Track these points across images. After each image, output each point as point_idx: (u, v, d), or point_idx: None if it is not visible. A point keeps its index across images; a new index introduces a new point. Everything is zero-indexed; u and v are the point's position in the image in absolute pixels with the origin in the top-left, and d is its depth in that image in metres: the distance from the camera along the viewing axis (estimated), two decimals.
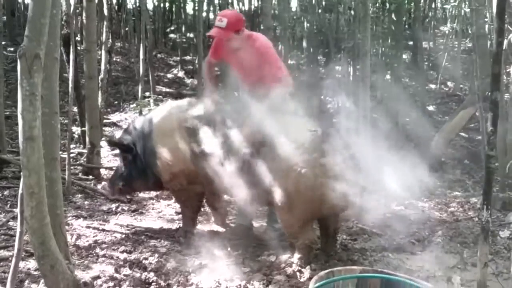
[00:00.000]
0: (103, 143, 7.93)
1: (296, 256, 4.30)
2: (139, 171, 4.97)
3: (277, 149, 4.17)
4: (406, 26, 16.85)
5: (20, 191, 2.84)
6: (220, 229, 5.24)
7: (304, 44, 13.55)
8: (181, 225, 5.15)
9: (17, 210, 3.09)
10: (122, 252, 4.48)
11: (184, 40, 15.96)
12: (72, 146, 7.16)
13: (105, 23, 9.28)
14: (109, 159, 7.76)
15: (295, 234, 4.29)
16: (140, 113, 7.49)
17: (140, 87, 7.57)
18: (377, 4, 14.07)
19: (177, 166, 4.74)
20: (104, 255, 4.38)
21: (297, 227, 4.26)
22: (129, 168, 5.04)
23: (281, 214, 4.31)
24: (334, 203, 4.05)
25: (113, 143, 5.20)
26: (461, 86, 13.84)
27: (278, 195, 4.19)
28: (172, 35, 16.93)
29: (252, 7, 17.49)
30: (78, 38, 11.83)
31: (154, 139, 4.82)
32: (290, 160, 4.10)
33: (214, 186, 4.61)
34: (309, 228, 4.31)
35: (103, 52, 8.74)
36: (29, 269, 4.00)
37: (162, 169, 4.81)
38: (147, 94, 9.10)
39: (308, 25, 13.27)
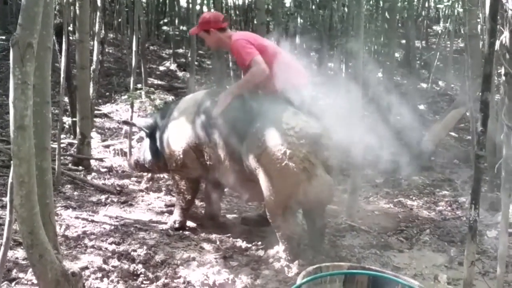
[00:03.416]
0: (94, 134, 7.91)
1: (281, 248, 4.35)
2: (154, 151, 5.25)
3: (266, 127, 4.26)
4: (399, 25, 16.88)
5: (10, 180, 2.84)
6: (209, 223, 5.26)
7: (297, 40, 13.53)
8: (170, 217, 5.17)
9: (6, 199, 3.09)
10: (111, 243, 4.48)
11: (177, 32, 15.91)
12: (62, 136, 7.11)
13: (98, 13, 9.22)
14: (100, 150, 7.74)
15: (278, 222, 4.33)
16: (132, 105, 7.46)
17: (132, 79, 7.52)
18: (371, 2, 14.08)
19: (178, 144, 4.85)
20: (92, 246, 4.38)
21: (279, 214, 4.30)
22: (146, 147, 5.37)
23: (265, 199, 4.34)
24: (317, 191, 4.09)
25: (126, 123, 5.48)
26: (452, 85, 13.89)
27: (262, 175, 4.25)
28: (165, 28, 16.88)
29: (246, 1, 17.47)
30: (70, 28, 11.77)
31: (168, 119, 5.04)
32: (277, 139, 4.17)
33: (212, 173, 4.80)
34: (291, 218, 4.35)
35: (95, 43, 8.70)
36: (17, 258, 3.99)
37: (165, 146, 5.00)
38: (139, 86, 9.06)
39: (301, 21, 13.27)
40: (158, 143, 5.18)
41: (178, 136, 4.87)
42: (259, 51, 4.68)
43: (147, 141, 5.40)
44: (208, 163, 4.73)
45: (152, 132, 5.29)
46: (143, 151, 5.45)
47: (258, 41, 4.84)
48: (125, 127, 8.04)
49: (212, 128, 4.61)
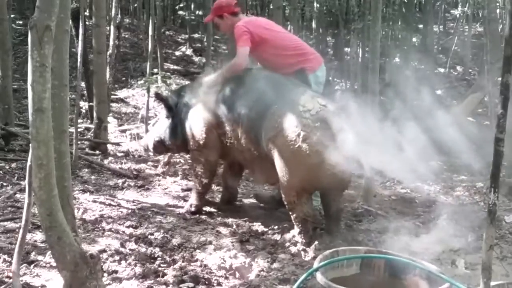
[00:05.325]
0: (110, 119, 7.94)
1: (296, 231, 4.38)
2: (174, 130, 5.21)
3: (283, 109, 4.29)
4: (417, 9, 16.73)
5: (28, 163, 2.85)
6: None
7: (314, 24, 13.47)
8: (187, 201, 5.19)
9: (25, 182, 3.10)
10: (128, 227, 4.51)
11: (193, 17, 15.88)
12: (79, 121, 7.16)
13: None
14: (116, 134, 7.77)
15: (292, 204, 4.35)
16: (148, 90, 7.48)
17: (148, 64, 7.55)
18: None
19: (202, 123, 4.88)
20: (110, 230, 4.41)
21: (293, 196, 4.31)
22: (166, 126, 5.30)
23: (280, 181, 4.36)
24: (330, 175, 4.07)
25: (159, 97, 5.42)
26: (470, 70, 13.77)
27: (277, 156, 4.27)
28: (181, 12, 16.86)
29: None
30: (87, 13, 11.79)
31: (191, 99, 5.08)
32: (292, 121, 4.18)
33: (232, 154, 4.88)
34: (305, 200, 4.35)
35: (112, 27, 8.70)
36: (35, 241, 4.03)
37: (188, 125, 5.01)
38: (155, 71, 9.07)
39: (318, 5, 13.18)
40: (179, 122, 5.16)
41: (202, 115, 4.88)
42: (258, 40, 4.86)
43: (166, 120, 5.31)
44: (229, 143, 4.75)
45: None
46: (163, 130, 5.33)
47: (260, 29, 4.93)
48: (141, 112, 8.08)
49: (235, 109, 4.64)
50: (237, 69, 4.86)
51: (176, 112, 5.19)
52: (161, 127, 5.43)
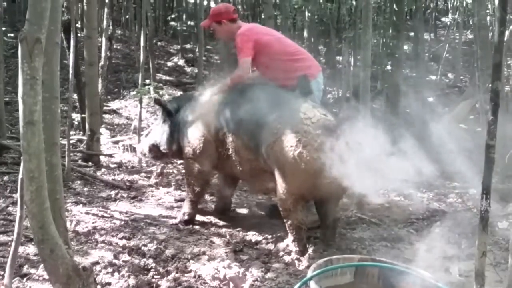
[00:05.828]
0: (103, 130, 7.92)
1: (290, 239, 4.38)
2: (170, 135, 5.23)
3: (284, 116, 4.31)
4: (408, 17, 16.81)
5: (20, 176, 2.85)
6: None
7: (305, 33, 13.50)
8: (180, 212, 5.18)
9: (17, 195, 3.09)
10: (121, 238, 4.49)
11: (185, 28, 15.91)
12: (72, 132, 7.14)
13: (106, 9, 9.23)
14: (109, 146, 7.75)
15: (287, 212, 4.35)
16: (140, 101, 7.49)
17: (140, 75, 7.56)
18: None
19: (199, 132, 4.88)
20: (103, 241, 4.39)
21: (290, 203, 4.31)
22: (163, 131, 5.31)
23: (277, 187, 4.37)
24: (330, 182, 4.06)
25: (159, 103, 5.40)
26: (462, 77, 13.83)
27: (275, 162, 4.29)
28: (173, 23, 16.88)
29: None
30: (78, 25, 11.79)
31: (190, 108, 5.09)
32: (293, 127, 4.19)
33: (226, 168, 4.88)
34: (300, 208, 4.35)
35: (103, 39, 8.71)
36: (28, 254, 4.01)
37: (186, 134, 5.01)
38: (147, 81, 9.08)
39: (309, 14, 13.22)
40: (176, 128, 5.17)
41: (201, 124, 4.88)
42: (260, 47, 4.88)
43: (163, 126, 5.33)
44: (226, 154, 4.74)
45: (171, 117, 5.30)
46: (160, 135, 5.35)
47: (263, 37, 4.96)
48: (134, 123, 8.07)
49: (235, 119, 4.64)
50: (239, 80, 4.89)
51: (174, 118, 5.20)
52: (157, 131, 5.45)
